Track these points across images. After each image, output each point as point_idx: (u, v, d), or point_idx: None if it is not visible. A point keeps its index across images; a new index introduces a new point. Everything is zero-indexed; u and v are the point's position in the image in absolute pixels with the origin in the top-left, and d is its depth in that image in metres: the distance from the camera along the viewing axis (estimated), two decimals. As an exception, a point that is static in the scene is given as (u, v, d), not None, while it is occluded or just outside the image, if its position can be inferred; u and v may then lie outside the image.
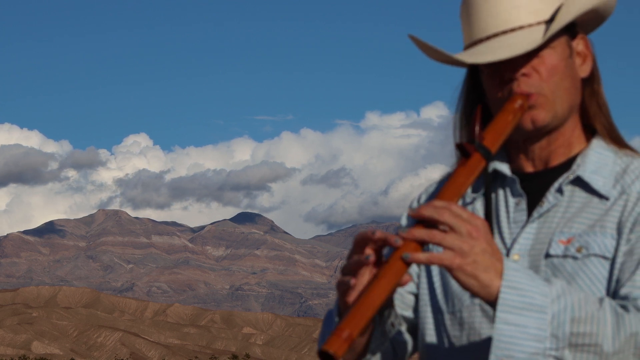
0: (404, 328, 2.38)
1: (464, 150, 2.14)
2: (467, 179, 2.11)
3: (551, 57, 2.25)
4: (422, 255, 1.98)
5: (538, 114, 2.24)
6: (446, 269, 2.01)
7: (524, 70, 2.24)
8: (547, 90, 2.24)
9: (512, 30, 2.24)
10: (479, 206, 2.35)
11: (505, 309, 2.01)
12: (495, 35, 2.25)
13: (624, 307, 2.10)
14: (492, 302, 2.03)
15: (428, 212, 2.02)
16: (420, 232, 2.00)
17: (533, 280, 2.03)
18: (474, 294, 2.03)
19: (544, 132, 2.28)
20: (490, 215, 2.26)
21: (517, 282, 2.02)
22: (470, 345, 2.25)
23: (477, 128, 2.15)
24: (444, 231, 2.01)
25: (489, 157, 2.15)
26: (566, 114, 2.28)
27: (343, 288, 2.11)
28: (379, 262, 2.07)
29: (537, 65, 2.24)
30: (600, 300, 2.08)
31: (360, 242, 2.08)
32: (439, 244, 2.00)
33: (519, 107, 2.23)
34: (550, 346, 2.01)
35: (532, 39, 2.22)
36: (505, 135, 2.21)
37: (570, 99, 2.27)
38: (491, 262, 2.01)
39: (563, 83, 2.25)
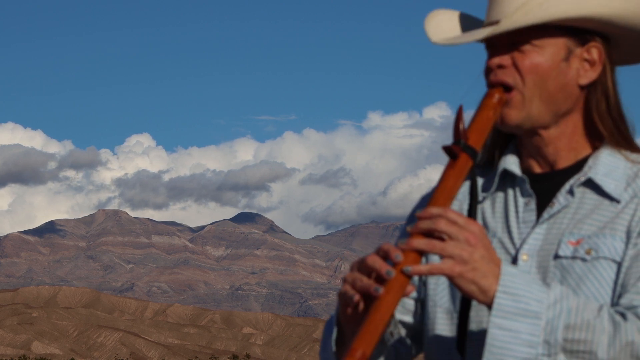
0: (404, 334, 2.40)
1: (450, 152, 2.15)
2: (457, 181, 2.14)
3: (534, 56, 2.24)
4: (423, 267, 2.04)
5: (509, 113, 2.25)
6: (447, 277, 2.06)
7: (500, 61, 2.25)
8: (524, 88, 2.24)
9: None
10: (487, 206, 2.36)
11: (499, 314, 2.05)
12: (491, 23, 2.27)
13: (623, 315, 2.11)
14: (490, 307, 2.08)
15: (425, 225, 2.06)
16: (419, 243, 2.05)
17: (530, 285, 2.06)
18: (474, 300, 2.09)
19: (520, 131, 2.29)
20: (474, 213, 2.25)
21: (513, 288, 2.05)
22: (478, 342, 2.24)
23: (461, 127, 2.15)
24: (443, 239, 2.06)
25: (475, 156, 2.16)
26: (546, 117, 2.26)
27: (346, 301, 2.14)
28: (381, 277, 2.09)
29: (518, 60, 2.25)
30: (600, 308, 2.09)
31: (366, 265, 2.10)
32: (438, 253, 2.05)
33: (497, 101, 2.23)
34: (542, 352, 2.05)
35: (493, 29, 2.23)
36: (488, 132, 2.22)
37: (554, 103, 2.26)
38: (490, 268, 2.05)
39: (545, 85, 2.24)
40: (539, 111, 2.24)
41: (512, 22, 2.22)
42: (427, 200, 2.41)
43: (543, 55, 2.24)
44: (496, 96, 2.22)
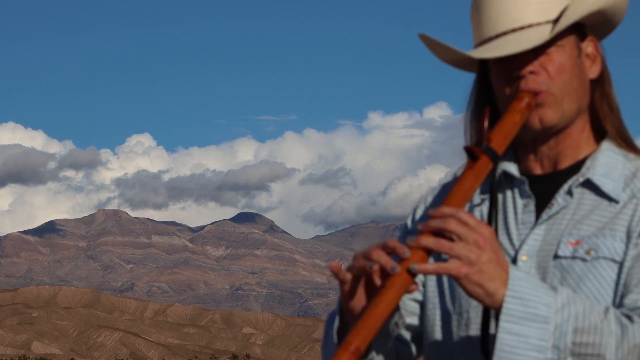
0: (408, 336, 2.40)
1: (471, 153, 2.14)
2: (475, 183, 2.12)
3: (559, 56, 2.27)
4: (429, 266, 2.02)
5: (546, 113, 2.26)
6: (453, 278, 2.04)
7: (532, 67, 2.26)
8: (555, 89, 2.26)
9: (521, 28, 2.26)
10: (486, 207, 2.36)
11: (508, 318, 2.04)
12: (504, 33, 2.27)
13: (629, 318, 2.11)
14: (498, 311, 2.07)
15: (435, 224, 2.05)
16: (428, 241, 2.03)
17: (538, 290, 2.06)
18: (479, 302, 2.07)
19: (552, 132, 2.30)
20: (494, 218, 2.25)
21: (521, 292, 2.04)
22: (478, 344, 2.25)
23: (485, 129, 2.15)
24: (451, 239, 2.04)
25: (496, 159, 2.16)
26: (574, 114, 2.30)
27: (346, 289, 2.14)
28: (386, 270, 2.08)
29: (545, 63, 2.26)
30: (606, 310, 2.09)
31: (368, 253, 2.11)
32: (446, 253, 2.03)
33: (526, 105, 2.22)
34: (551, 357, 2.05)
35: (538, 36, 2.24)
36: (513, 136, 2.21)
37: (578, 99, 2.29)
38: (497, 272, 2.04)
39: (571, 82, 2.27)
40: (569, 109, 2.28)
41: (565, 20, 2.23)
42: (426, 200, 2.47)
43: (565, 54, 2.28)
44: (525, 100, 2.22)
